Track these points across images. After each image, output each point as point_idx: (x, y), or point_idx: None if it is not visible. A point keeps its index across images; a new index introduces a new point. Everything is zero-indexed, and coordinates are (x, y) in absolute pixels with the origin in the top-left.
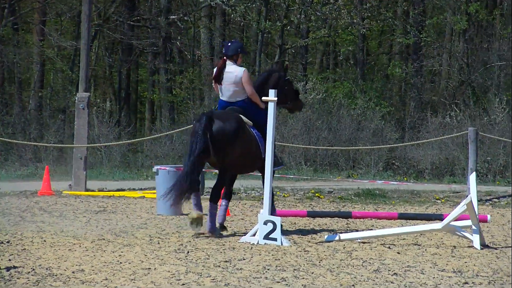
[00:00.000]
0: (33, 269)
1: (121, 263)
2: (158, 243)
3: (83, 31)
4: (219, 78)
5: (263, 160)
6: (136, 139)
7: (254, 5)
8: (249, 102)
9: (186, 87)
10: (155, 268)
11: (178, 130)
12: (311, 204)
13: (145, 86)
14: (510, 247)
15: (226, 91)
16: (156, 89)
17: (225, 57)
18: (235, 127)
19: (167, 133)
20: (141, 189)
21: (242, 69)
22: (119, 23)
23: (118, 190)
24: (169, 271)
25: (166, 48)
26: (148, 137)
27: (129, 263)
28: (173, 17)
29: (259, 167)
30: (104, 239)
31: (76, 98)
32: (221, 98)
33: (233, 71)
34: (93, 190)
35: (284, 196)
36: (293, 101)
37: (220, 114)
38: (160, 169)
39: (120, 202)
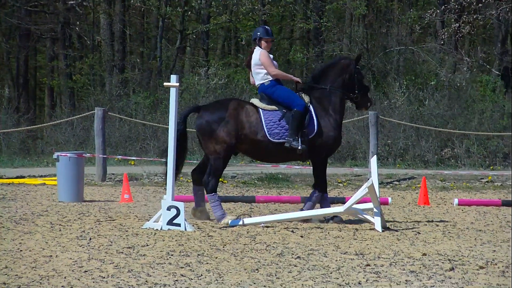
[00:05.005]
0: None
1: (21, 251)
2: (60, 230)
3: None
4: (248, 64)
5: (278, 145)
6: (36, 126)
7: None
8: (271, 84)
9: (86, 72)
10: (56, 256)
11: (78, 116)
12: None
13: (44, 72)
14: (410, 229)
15: (254, 75)
16: (56, 75)
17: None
18: (205, 120)
19: (68, 119)
20: (41, 176)
21: (260, 49)
22: (16, 8)
23: (17, 177)
24: (71, 258)
25: (65, 34)
26: (48, 123)
27: (30, 251)
28: (72, 2)
29: (283, 155)
30: (3, 227)
31: None
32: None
33: (255, 53)
34: None
35: (187, 181)
36: (361, 95)
37: (207, 106)
38: (61, 155)
39: (19, 189)
